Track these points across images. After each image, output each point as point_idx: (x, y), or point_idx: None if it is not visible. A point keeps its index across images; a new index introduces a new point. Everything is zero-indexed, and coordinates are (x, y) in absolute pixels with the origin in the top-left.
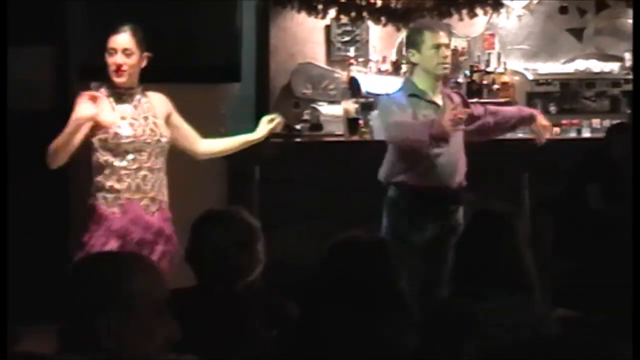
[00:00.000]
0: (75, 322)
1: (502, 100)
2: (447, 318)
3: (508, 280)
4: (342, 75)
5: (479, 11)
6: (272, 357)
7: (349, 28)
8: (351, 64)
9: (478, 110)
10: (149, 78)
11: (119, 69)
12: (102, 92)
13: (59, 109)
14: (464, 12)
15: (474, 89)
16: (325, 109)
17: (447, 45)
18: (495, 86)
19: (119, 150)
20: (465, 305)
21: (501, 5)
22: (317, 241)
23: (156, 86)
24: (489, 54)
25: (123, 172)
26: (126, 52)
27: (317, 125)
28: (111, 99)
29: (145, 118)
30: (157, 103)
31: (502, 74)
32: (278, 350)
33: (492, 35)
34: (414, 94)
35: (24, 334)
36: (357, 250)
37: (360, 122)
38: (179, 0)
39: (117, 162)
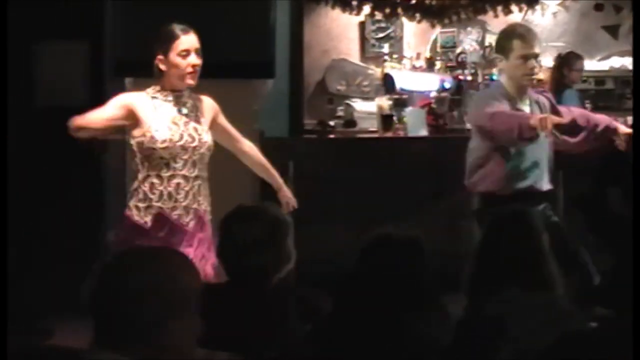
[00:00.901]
0: (115, 318)
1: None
2: (477, 317)
3: (531, 280)
4: (376, 71)
5: (514, 8)
6: (304, 353)
7: (383, 25)
8: (385, 60)
9: (574, 115)
10: None
11: (194, 70)
12: (147, 93)
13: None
14: (499, 8)
15: None
16: (359, 105)
17: (537, 56)
18: None
19: (154, 155)
20: (494, 306)
21: (536, 2)
22: (350, 237)
23: None
24: None
25: (156, 179)
26: (198, 52)
27: (351, 122)
28: (156, 101)
29: (186, 123)
30: (204, 107)
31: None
32: (310, 345)
33: None
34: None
35: (56, 328)
36: (391, 247)
37: (394, 118)
38: None
39: (151, 169)
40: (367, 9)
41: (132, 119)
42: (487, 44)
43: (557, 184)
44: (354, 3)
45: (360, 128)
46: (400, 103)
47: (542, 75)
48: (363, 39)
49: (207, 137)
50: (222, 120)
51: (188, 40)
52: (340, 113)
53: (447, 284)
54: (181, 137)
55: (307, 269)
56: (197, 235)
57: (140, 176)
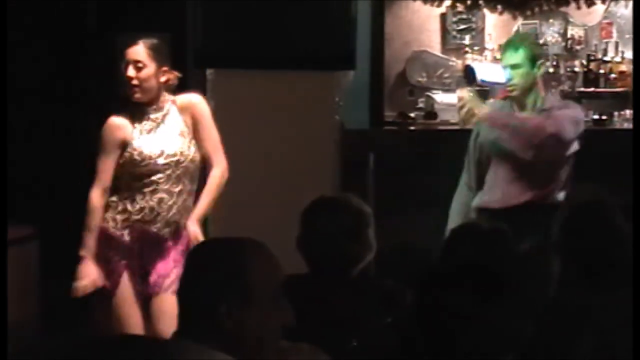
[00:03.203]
0: (196, 307)
1: (620, 89)
2: (562, 309)
3: (616, 276)
4: (457, 63)
5: None
6: (386, 345)
7: (464, 16)
8: (466, 52)
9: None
10: (265, 65)
11: (133, 84)
12: (125, 113)
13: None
14: (582, 0)
15: (591, 78)
16: (440, 97)
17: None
18: (612, 75)
19: (135, 172)
20: (580, 298)
21: None
22: (432, 229)
23: (272, 73)
24: (607, 42)
25: (138, 194)
26: (138, 64)
27: (431, 114)
28: (135, 118)
29: (166, 136)
30: (180, 113)
31: (619, 63)
32: (392, 337)
33: (610, 24)
34: None
35: None
36: (478, 239)
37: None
38: None
39: (133, 184)
40: (448, 0)
41: (123, 145)
42: (569, 35)
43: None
44: None
45: (441, 120)
46: (481, 95)
47: (624, 67)
48: (444, 31)
49: (190, 150)
50: (204, 130)
51: (132, 51)
52: (420, 105)
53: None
54: (161, 153)
55: (387, 261)
56: (172, 246)
57: (122, 191)
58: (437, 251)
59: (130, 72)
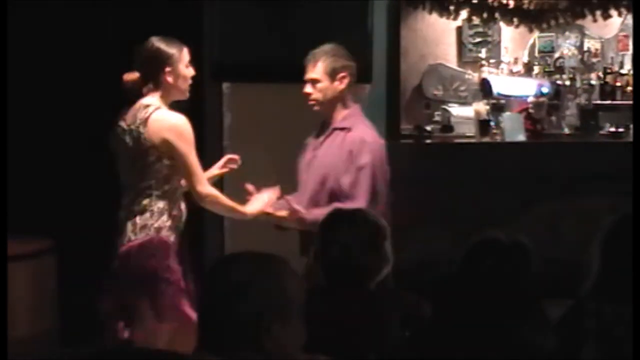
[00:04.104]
0: (222, 322)
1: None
2: (580, 321)
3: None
4: (473, 76)
5: (613, 12)
6: (405, 357)
7: (480, 29)
8: (482, 65)
9: None
10: (282, 79)
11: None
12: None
13: (194, 109)
14: (598, 13)
15: (607, 91)
16: (456, 110)
17: (313, 81)
18: (629, 88)
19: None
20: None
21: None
22: (448, 242)
23: (289, 86)
24: (623, 55)
25: (180, 199)
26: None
27: (448, 127)
28: None
29: None
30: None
31: None
32: (411, 350)
33: (627, 36)
34: None
35: None
36: (498, 251)
37: (492, 123)
38: (310, 2)
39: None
40: (464, 13)
41: None
42: (585, 48)
43: None
44: (451, 8)
45: (457, 133)
46: (498, 108)
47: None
48: (460, 44)
49: None
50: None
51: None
52: (437, 118)
53: (548, 290)
54: None
55: (404, 274)
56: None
57: (172, 196)
58: (454, 264)
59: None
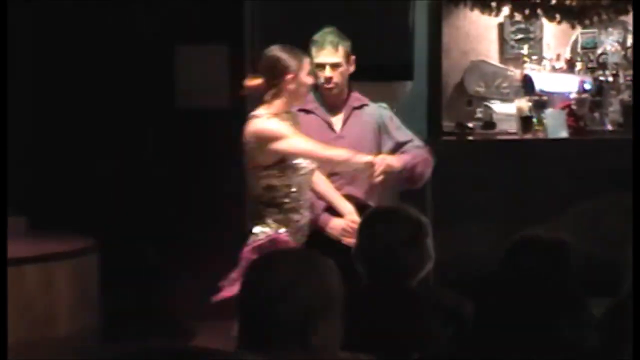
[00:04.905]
0: (263, 320)
1: None
2: (619, 319)
3: None
4: (515, 73)
5: None
6: (448, 357)
7: (522, 26)
8: (525, 61)
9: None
10: None
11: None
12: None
13: (235, 108)
14: None
15: None
16: (498, 107)
17: (333, 65)
18: None
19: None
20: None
21: None
22: (490, 239)
23: None
24: None
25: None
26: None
27: (490, 123)
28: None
29: None
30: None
31: None
32: (454, 349)
33: None
34: None
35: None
36: (539, 249)
37: (534, 120)
38: (353, 1)
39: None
40: (506, 10)
41: None
42: (628, 44)
43: None
44: (493, 4)
45: (499, 130)
46: (540, 104)
47: None
48: (502, 41)
49: None
50: None
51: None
52: (479, 115)
53: (590, 288)
54: None
55: (446, 272)
56: None
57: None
58: (495, 262)
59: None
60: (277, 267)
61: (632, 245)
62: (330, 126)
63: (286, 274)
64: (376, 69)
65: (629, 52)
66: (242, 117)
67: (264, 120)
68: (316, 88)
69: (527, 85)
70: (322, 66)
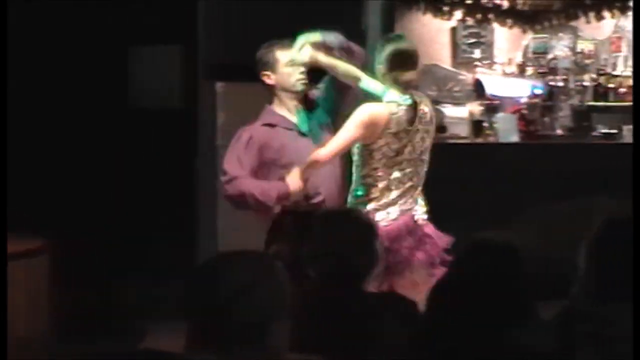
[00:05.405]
0: (215, 320)
1: (629, 103)
2: (571, 322)
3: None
4: (467, 77)
5: (606, 14)
6: (402, 358)
7: (474, 30)
8: (476, 65)
9: None
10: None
11: None
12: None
13: (188, 108)
14: (591, 14)
15: (600, 92)
16: (450, 110)
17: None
18: (622, 90)
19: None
20: (589, 310)
21: (629, 7)
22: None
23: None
24: (616, 56)
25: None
26: None
27: (441, 127)
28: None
29: None
30: None
31: (629, 77)
32: (405, 350)
33: (620, 38)
34: None
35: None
36: (490, 253)
37: (485, 124)
38: (305, 1)
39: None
40: (458, 14)
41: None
42: (578, 49)
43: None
44: (446, 8)
45: (450, 133)
46: (491, 109)
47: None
48: (454, 44)
49: None
50: None
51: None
52: None
53: (541, 291)
54: None
55: None
56: None
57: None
58: (450, 265)
59: None
60: (232, 268)
61: (632, 245)
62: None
63: (243, 276)
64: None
65: (579, 57)
66: (195, 117)
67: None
68: None
69: (478, 89)
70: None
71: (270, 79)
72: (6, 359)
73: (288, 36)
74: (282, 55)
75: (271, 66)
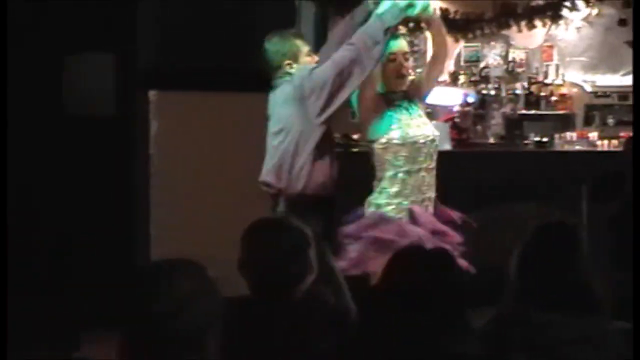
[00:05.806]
0: (149, 333)
1: (561, 112)
2: (503, 328)
3: (571, 295)
4: None
5: (537, 23)
6: None
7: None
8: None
9: None
10: (210, 87)
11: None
12: None
13: (121, 115)
14: (523, 23)
15: (532, 101)
16: None
17: None
18: (554, 98)
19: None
20: (520, 317)
21: (560, 17)
22: None
23: (216, 95)
24: (548, 65)
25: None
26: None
27: None
28: None
29: None
30: None
31: (560, 85)
32: (338, 357)
33: (551, 47)
34: None
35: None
36: (418, 261)
37: None
38: (239, 5)
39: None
40: None
41: None
42: (510, 58)
43: (580, 199)
44: None
45: None
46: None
47: (565, 89)
48: None
49: None
50: None
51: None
52: None
53: (472, 298)
54: None
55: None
56: None
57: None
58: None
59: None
60: (169, 279)
61: (632, 246)
62: None
63: (178, 287)
64: (260, 78)
65: (511, 65)
66: (128, 125)
67: None
68: None
69: None
70: None
71: (292, 67)
72: (6, 359)
73: (226, 44)
74: (303, 45)
75: (293, 55)
